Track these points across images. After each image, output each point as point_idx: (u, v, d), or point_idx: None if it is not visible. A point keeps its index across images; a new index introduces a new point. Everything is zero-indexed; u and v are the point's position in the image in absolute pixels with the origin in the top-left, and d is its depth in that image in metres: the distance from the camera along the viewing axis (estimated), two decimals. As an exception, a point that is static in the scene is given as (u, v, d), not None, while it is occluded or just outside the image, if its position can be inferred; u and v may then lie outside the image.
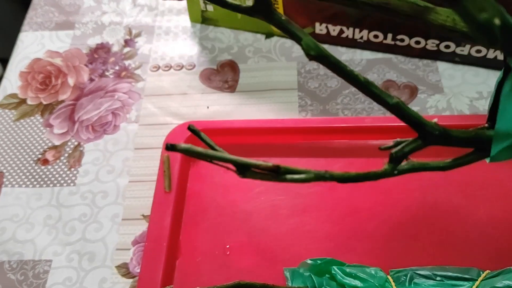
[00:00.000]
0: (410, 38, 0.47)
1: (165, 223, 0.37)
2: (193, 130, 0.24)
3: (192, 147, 0.21)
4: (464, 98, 0.46)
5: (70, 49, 0.53)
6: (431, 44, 0.47)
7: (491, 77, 0.47)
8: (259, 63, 0.50)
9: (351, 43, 0.49)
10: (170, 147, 0.21)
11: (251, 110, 0.47)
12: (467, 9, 0.15)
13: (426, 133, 0.21)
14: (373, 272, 0.33)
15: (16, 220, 0.42)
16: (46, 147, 0.46)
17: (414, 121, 0.21)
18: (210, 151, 0.22)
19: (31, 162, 0.45)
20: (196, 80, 0.50)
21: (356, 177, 0.23)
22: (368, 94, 0.21)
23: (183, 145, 0.21)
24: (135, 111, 0.48)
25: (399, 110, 0.21)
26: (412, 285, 0.33)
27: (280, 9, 0.48)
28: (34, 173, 0.44)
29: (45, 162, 0.45)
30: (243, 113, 0.47)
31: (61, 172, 0.44)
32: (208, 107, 0.47)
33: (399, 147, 0.22)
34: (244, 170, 0.21)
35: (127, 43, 0.53)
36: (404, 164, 0.23)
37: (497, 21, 0.15)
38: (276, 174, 0.21)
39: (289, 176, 0.21)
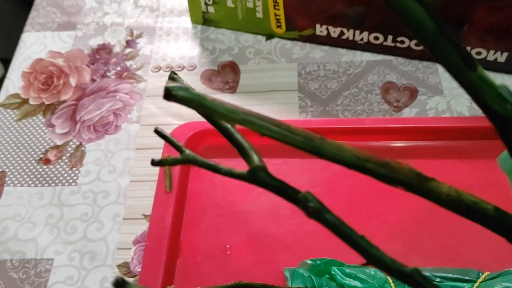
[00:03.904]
0: (410, 40, 0.47)
1: (166, 223, 0.38)
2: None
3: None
4: (464, 100, 0.46)
5: (72, 49, 0.54)
6: (431, 46, 0.47)
7: (491, 79, 0.47)
8: (260, 64, 0.50)
9: (352, 45, 0.50)
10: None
11: (252, 111, 0.47)
12: None
13: None
14: (372, 272, 0.33)
15: (18, 219, 0.42)
16: (48, 147, 0.46)
17: None
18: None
19: (33, 161, 0.45)
20: (197, 81, 0.50)
21: None
22: (379, 266, 0.19)
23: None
24: (136, 112, 0.48)
25: (412, 280, 0.19)
26: (411, 286, 0.33)
27: (281, 10, 0.48)
28: (36, 173, 0.44)
29: (47, 161, 0.45)
30: (244, 114, 0.47)
31: (63, 172, 0.44)
32: (209, 108, 0.48)
33: None
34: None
35: (128, 44, 0.53)
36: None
37: None
38: None
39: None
